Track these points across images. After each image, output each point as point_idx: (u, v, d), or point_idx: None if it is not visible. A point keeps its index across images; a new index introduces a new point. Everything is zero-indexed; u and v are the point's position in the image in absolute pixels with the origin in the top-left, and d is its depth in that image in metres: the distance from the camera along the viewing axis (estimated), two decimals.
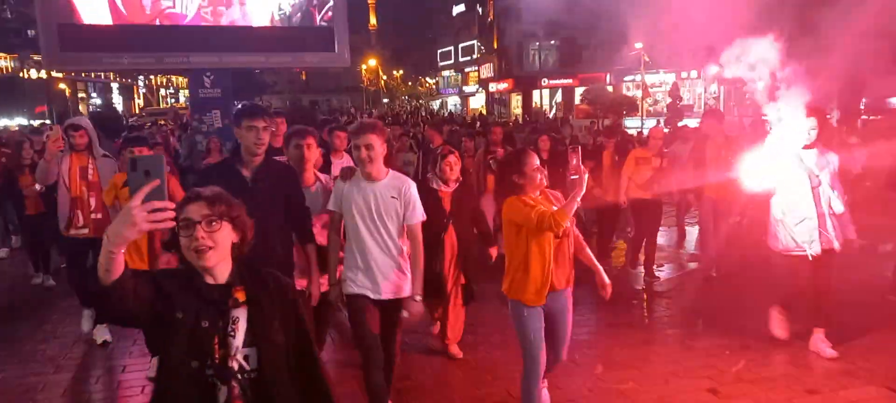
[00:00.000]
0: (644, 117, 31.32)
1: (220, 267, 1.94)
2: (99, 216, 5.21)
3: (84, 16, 10.73)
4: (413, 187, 3.66)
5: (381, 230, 3.57)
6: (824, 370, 4.39)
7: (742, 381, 4.22)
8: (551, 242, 3.38)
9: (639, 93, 34.44)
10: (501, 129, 8.71)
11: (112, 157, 5.58)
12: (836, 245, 4.54)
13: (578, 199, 3.27)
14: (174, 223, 1.75)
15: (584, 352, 4.82)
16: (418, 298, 3.62)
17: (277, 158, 4.01)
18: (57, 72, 27.06)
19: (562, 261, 3.47)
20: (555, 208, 3.37)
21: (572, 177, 3.33)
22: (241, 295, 1.91)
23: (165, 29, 11.28)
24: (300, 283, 3.68)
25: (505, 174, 3.55)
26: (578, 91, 39.94)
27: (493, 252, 4.99)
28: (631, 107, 32.67)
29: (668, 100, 34.10)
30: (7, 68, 41.83)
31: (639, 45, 32.02)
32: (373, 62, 53.35)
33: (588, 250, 3.69)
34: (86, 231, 5.28)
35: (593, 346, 5.03)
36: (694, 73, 37.55)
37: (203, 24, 11.56)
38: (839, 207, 4.54)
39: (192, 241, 1.86)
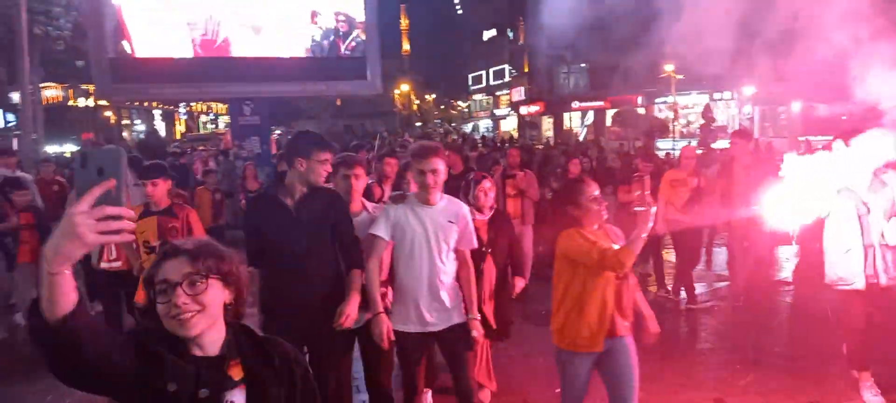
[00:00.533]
0: (676, 138, 31.21)
1: (209, 334, 1.55)
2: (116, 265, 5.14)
3: (138, 50, 11.45)
4: (468, 212, 3.56)
5: (437, 257, 3.41)
6: (831, 384, 4.55)
7: (748, 394, 4.41)
8: (611, 282, 3.10)
9: (671, 115, 34.36)
10: (518, 151, 8.58)
11: (142, 185, 5.58)
12: (884, 280, 4.10)
13: (644, 236, 2.99)
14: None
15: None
16: (478, 317, 3.52)
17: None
18: (107, 101, 28.28)
19: (623, 303, 3.19)
20: (615, 246, 3.12)
21: (636, 209, 3.08)
22: (236, 373, 1.56)
23: (208, 60, 11.92)
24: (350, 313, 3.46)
25: (560, 204, 3.38)
26: (610, 113, 39.99)
27: (520, 283, 4.64)
28: (662, 129, 32.59)
29: (701, 121, 33.94)
30: (57, 97, 43.72)
31: (669, 68, 32.04)
32: (405, 87, 54.18)
33: (640, 292, 3.45)
34: (118, 263, 5.15)
35: None
36: (728, 94, 37.34)
37: (243, 56, 12.17)
38: (893, 239, 4.08)
39: (171, 308, 1.49)
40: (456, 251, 3.52)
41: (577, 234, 3.14)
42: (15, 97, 33.18)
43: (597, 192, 3.25)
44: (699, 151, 19.55)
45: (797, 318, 4.97)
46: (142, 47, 11.59)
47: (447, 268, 3.46)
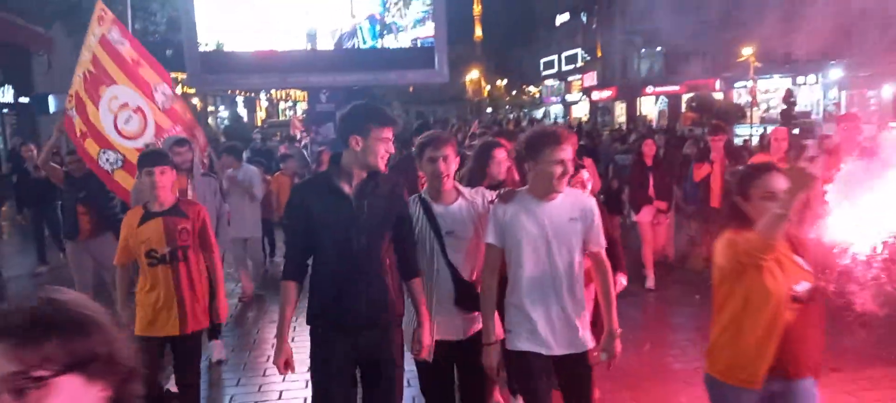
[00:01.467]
0: (756, 124, 30.28)
1: None
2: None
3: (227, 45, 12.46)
4: (595, 205, 3.01)
5: (559, 263, 2.86)
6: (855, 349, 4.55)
7: None
8: (782, 304, 2.37)
9: (748, 100, 33.29)
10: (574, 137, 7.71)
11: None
12: None
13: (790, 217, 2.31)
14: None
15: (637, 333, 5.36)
16: (618, 332, 2.94)
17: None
18: (197, 90, 30.16)
19: (802, 336, 2.42)
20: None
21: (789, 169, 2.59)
22: None
23: (288, 54, 12.77)
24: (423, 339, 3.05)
25: (726, 196, 2.89)
26: (686, 98, 39.08)
27: (622, 281, 4.02)
28: (740, 114, 31.64)
29: (782, 106, 32.74)
30: None
31: (748, 51, 31.04)
32: (476, 74, 54.53)
33: None
34: None
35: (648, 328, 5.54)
36: (812, 78, 35.78)
37: (320, 49, 12.98)
38: None
39: None
40: (588, 253, 2.95)
41: (739, 238, 2.40)
42: None
43: (780, 183, 2.42)
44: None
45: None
46: (229, 40, 12.56)
47: (570, 278, 2.87)
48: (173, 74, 31.53)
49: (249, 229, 7.54)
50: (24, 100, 21.61)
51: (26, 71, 22.03)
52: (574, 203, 2.94)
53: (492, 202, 3.20)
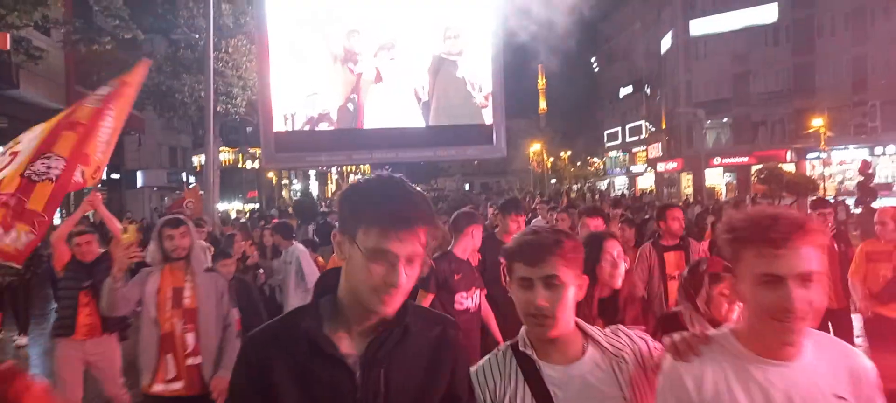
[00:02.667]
0: (832, 197, 29.23)
1: None
2: (198, 360, 3.75)
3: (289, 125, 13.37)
4: (864, 363, 1.58)
5: None
6: None
7: None
8: None
9: (824, 171, 32.22)
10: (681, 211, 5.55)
11: (218, 273, 4.30)
12: None
13: None
14: None
15: None
16: None
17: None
18: (271, 169, 32.07)
19: None
20: None
21: None
22: None
23: (354, 131, 13.55)
24: None
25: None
26: (754, 170, 38.21)
27: None
28: (813, 186, 30.65)
29: (859, 177, 31.50)
30: (229, 160, 49.49)
31: (818, 122, 30.30)
32: (538, 147, 55.20)
33: None
34: (179, 386, 3.76)
35: None
36: (892, 148, 34.41)
37: (383, 127, 13.73)
38: None
39: None
40: None
41: None
42: (195, 160, 38.34)
43: None
44: (856, 211, 18.24)
45: None
46: (300, 120, 13.48)
47: None
48: (252, 150, 33.73)
49: None
50: (115, 176, 23.51)
51: (119, 148, 24.06)
52: (836, 363, 1.56)
53: (647, 353, 1.79)
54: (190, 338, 3.78)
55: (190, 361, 3.77)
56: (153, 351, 3.75)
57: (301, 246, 6.83)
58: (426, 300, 4.05)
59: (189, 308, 3.80)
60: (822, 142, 29.94)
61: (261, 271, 7.15)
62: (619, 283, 2.69)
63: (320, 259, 7.79)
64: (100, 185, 21.25)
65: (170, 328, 3.76)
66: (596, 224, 5.01)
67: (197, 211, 12.90)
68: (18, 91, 15.07)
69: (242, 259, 6.95)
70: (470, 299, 4.26)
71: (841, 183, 33.82)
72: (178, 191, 31.84)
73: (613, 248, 2.72)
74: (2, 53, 11.89)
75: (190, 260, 3.88)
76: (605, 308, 2.64)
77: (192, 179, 32.95)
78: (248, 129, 27.98)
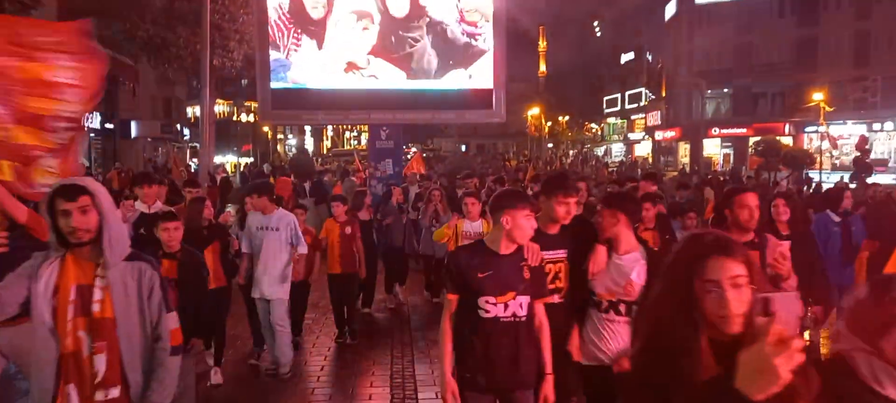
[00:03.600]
0: (827, 171, 29.26)
1: None
2: (113, 394, 2.56)
3: (297, 80, 13.19)
4: None
5: None
6: None
7: None
8: None
9: (822, 145, 32.14)
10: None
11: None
12: None
13: None
14: None
15: None
16: None
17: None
18: (268, 124, 31.84)
19: None
20: None
21: None
22: None
23: (352, 92, 13.39)
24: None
25: None
26: (752, 141, 38.16)
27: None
28: (810, 160, 30.66)
29: (856, 153, 31.47)
30: (224, 113, 49.06)
31: (818, 96, 30.13)
32: (536, 111, 54.89)
33: None
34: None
35: None
36: (890, 125, 34.37)
37: (382, 88, 13.56)
38: None
39: None
40: None
41: None
42: (190, 111, 37.98)
43: None
44: (852, 186, 18.30)
45: None
46: (298, 76, 13.29)
47: None
48: (247, 103, 33.52)
49: (273, 287, 5.86)
50: (109, 125, 23.27)
51: (112, 98, 23.73)
52: None
53: None
54: (100, 362, 2.52)
55: (100, 396, 2.52)
56: (48, 379, 2.49)
57: (289, 215, 6.13)
58: (451, 304, 3.26)
59: (100, 317, 2.52)
60: (822, 116, 29.85)
61: (234, 238, 6.15)
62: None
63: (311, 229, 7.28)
64: (92, 134, 20.99)
65: (73, 345, 2.50)
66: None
67: (176, 174, 12.67)
68: None
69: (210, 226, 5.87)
70: (502, 306, 3.12)
71: (838, 157, 33.82)
72: (172, 143, 31.61)
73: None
74: None
75: (101, 244, 2.52)
76: None
77: (187, 131, 32.67)
78: (244, 82, 27.63)
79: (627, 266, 3.43)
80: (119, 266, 2.57)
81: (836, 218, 6.30)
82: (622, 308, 3.44)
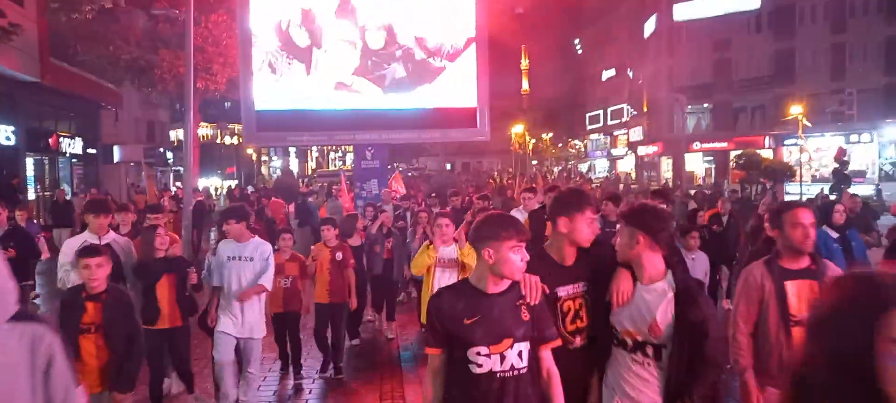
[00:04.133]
0: (806, 183, 29.70)
1: None
2: None
3: (271, 104, 13.22)
4: None
5: None
6: None
7: None
8: None
9: (802, 158, 32.67)
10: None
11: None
12: None
13: None
14: None
15: None
16: None
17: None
18: (253, 146, 31.75)
19: None
20: None
21: None
22: None
23: (336, 113, 13.42)
24: None
25: None
26: (733, 155, 38.66)
27: None
28: (790, 172, 31.13)
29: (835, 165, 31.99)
30: (207, 135, 48.84)
31: (796, 109, 30.65)
32: (520, 128, 55.31)
33: None
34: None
35: None
36: (867, 136, 35.00)
37: (366, 108, 13.61)
38: None
39: None
40: None
41: None
42: (173, 135, 37.82)
43: None
44: (832, 197, 18.56)
45: None
46: (282, 100, 13.31)
47: None
48: (231, 125, 33.42)
49: (245, 326, 5.15)
50: (91, 151, 23.08)
51: (95, 122, 23.58)
52: None
53: None
54: None
55: None
56: None
57: (267, 244, 5.38)
58: (434, 360, 2.69)
59: None
60: (800, 129, 30.35)
61: (191, 271, 5.31)
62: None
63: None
64: (74, 160, 20.82)
65: None
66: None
67: (151, 199, 12.57)
68: None
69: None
70: (498, 357, 2.55)
71: (817, 169, 34.36)
72: (156, 167, 31.39)
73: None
74: None
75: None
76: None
77: (170, 155, 32.49)
78: (227, 105, 27.60)
79: (652, 300, 2.74)
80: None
81: (834, 234, 5.99)
82: (650, 350, 2.75)
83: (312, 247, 6.76)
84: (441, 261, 5.42)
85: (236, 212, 5.36)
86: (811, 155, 32.72)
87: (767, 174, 29.41)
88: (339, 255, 6.51)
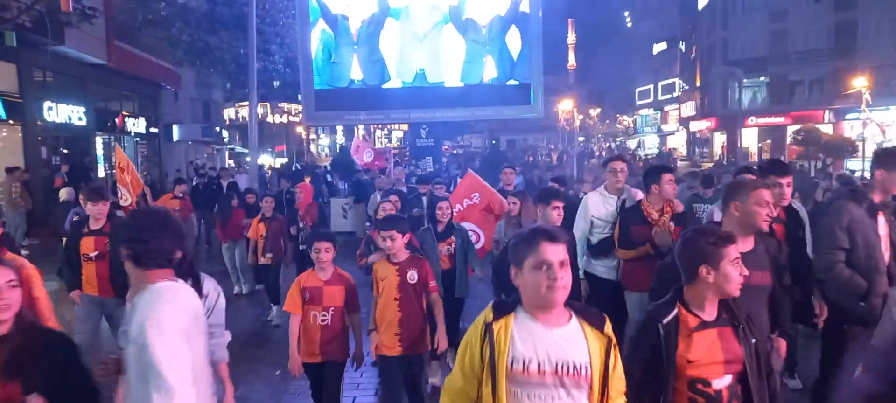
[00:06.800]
0: (870, 160, 28.64)
1: None
2: None
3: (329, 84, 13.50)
4: None
5: None
6: None
7: None
8: None
9: (864, 133, 31.44)
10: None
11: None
12: None
13: None
14: None
15: None
16: None
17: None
18: (311, 126, 32.29)
19: None
20: None
21: None
22: None
23: (393, 91, 13.64)
24: None
25: None
26: (791, 131, 37.43)
27: None
28: (851, 148, 30.04)
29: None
30: (259, 114, 49.76)
31: (860, 81, 29.44)
32: (568, 104, 54.60)
33: None
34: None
35: None
36: None
37: (423, 86, 13.78)
38: None
39: None
40: None
41: None
42: (226, 114, 38.70)
43: None
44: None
45: None
46: (340, 79, 13.58)
47: None
48: (282, 104, 33.94)
49: None
50: (153, 130, 23.94)
51: (155, 103, 24.42)
52: None
53: None
54: None
55: None
56: None
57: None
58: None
59: None
60: (864, 103, 29.18)
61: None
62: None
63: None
64: (137, 139, 21.57)
65: None
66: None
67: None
68: (64, 47, 15.37)
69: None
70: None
71: (881, 145, 32.97)
72: (215, 146, 32.31)
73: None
74: (55, 11, 12.11)
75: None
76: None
77: (225, 133, 33.36)
78: (275, 84, 28.09)
79: None
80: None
81: None
82: None
83: (374, 263, 4.36)
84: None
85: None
86: (882, 127, 31.35)
87: (828, 150, 28.48)
88: (411, 275, 4.18)
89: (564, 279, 2.00)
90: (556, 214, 4.32)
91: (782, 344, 3.11)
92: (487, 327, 2.08)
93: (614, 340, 2.12)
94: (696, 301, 2.43)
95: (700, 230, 2.52)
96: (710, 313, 2.44)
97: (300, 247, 7.91)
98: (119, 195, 8.56)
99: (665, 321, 2.37)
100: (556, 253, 2.02)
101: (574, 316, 2.10)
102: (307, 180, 11.70)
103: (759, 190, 2.96)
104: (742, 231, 2.90)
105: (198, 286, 2.48)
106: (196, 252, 11.55)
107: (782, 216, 4.08)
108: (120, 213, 6.19)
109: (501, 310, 2.11)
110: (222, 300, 3.28)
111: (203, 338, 2.25)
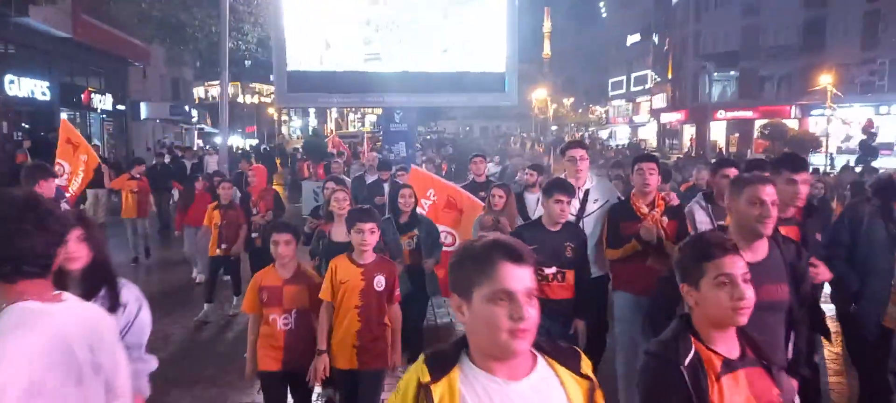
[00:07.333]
0: (834, 155, 29.36)
1: None
2: None
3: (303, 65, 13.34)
4: None
5: None
6: None
7: None
8: None
9: (828, 129, 32.22)
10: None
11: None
12: None
13: None
14: None
15: None
16: None
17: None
18: (283, 107, 31.86)
19: None
20: None
21: None
22: None
23: (367, 75, 13.53)
24: None
25: None
26: (759, 124, 38.14)
27: None
28: (816, 143, 30.76)
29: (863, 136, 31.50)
30: (230, 93, 48.97)
31: (826, 79, 30.11)
32: (542, 93, 54.82)
33: None
34: None
35: None
36: None
37: (395, 71, 13.71)
38: None
39: None
40: None
41: None
42: (195, 93, 38.00)
43: None
44: (858, 169, 18.52)
45: None
46: (314, 60, 13.43)
47: None
48: (253, 85, 33.47)
49: None
50: (120, 107, 23.40)
51: (123, 79, 23.86)
52: None
53: None
54: None
55: None
56: None
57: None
58: None
59: None
60: (829, 100, 29.87)
61: None
62: None
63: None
64: (104, 116, 21.04)
65: None
66: None
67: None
68: (28, 19, 14.92)
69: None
70: None
71: (844, 140, 33.86)
72: (184, 125, 31.70)
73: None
74: None
75: None
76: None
77: (195, 113, 32.77)
78: (247, 63, 27.57)
79: None
80: None
81: None
82: None
83: (334, 263, 3.67)
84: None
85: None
86: (844, 122, 32.08)
87: (792, 145, 29.12)
88: (379, 281, 3.62)
89: (532, 317, 1.38)
90: (559, 209, 3.82)
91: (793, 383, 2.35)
92: (425, 391, 1.41)
93: (596, 382, 1.54)
94: (702, 332, 1.86)
95: (693, 238, 2.04)
96: (730, 349, 1.85)
97: (252, 235, 7.16)
98: (60, 173, 7.56)
99: (686, 362, 1.77)
100: (519, 279, 1.38)
101: (540, 356, 1.49)
102: (279, 162, 11.59)
103: (755, 186, 2.49)
104: (744, 236, 2.47)
105: (113, 296, 2.10)
106: (155, 236, 11.12)
107: (798, 216, 3.55)
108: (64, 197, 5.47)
109: (440, 364, 1.45)
110: (146, 313, 2.46)
111: (98, 379, 1.61)
